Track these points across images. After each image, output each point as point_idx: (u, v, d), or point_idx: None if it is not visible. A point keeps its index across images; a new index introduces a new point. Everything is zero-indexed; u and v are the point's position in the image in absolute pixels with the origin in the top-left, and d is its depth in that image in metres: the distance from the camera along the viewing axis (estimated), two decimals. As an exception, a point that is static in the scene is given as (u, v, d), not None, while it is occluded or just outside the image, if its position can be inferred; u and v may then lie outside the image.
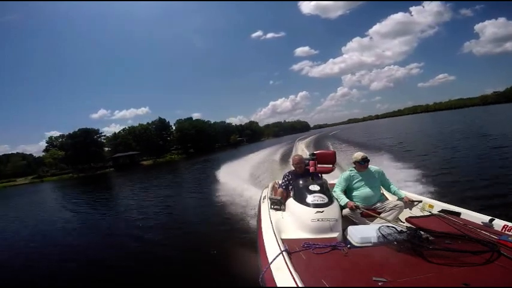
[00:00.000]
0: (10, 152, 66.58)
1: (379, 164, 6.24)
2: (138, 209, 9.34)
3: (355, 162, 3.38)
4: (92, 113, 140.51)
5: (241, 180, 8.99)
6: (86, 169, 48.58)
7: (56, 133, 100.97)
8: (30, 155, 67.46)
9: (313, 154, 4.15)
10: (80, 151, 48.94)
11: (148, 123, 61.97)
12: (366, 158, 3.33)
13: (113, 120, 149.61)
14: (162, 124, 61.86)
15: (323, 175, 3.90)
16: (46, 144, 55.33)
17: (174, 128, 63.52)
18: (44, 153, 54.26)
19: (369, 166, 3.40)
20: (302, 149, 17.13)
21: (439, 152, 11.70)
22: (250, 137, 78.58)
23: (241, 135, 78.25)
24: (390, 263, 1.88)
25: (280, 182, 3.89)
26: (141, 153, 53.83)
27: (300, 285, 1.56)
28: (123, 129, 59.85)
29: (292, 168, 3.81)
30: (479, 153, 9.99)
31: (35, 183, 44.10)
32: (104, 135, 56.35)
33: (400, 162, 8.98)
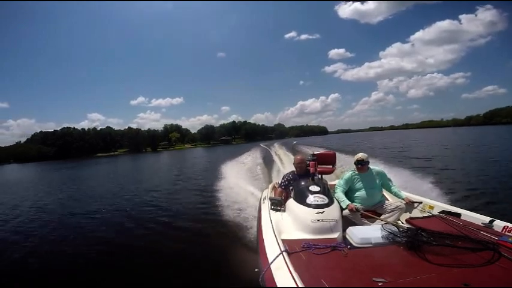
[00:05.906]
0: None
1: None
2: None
3: (355, 163, 3.37)
4: (131, 99, 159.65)
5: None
6: (208, 143, 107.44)
7: (97, 115, 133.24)
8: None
9: (313, 155, 4.15)
10: (206, 135, 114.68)
11: (228, 122, 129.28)
12: (366, 159, 3.32)
13: (149, 107, 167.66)
14: (234, 123, 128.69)
15: (323, 176, 3.90)
16: (162, 128, 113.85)
17: (238, 125, 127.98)
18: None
19: (371, 167, 3.40)
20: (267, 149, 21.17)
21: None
22: (278, 135, 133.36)
23: (272, 133, 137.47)
24: (390, 263, 1.88)
25: (280, 182, 3.90)
26: (233, 137, 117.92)
27: (300, 286, 1.56)
28: (221, 125, 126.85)
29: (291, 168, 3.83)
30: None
31: (192, 147, 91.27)
32: (214, 126, 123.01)
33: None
